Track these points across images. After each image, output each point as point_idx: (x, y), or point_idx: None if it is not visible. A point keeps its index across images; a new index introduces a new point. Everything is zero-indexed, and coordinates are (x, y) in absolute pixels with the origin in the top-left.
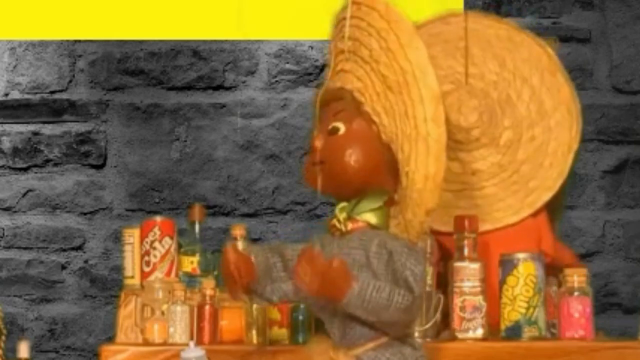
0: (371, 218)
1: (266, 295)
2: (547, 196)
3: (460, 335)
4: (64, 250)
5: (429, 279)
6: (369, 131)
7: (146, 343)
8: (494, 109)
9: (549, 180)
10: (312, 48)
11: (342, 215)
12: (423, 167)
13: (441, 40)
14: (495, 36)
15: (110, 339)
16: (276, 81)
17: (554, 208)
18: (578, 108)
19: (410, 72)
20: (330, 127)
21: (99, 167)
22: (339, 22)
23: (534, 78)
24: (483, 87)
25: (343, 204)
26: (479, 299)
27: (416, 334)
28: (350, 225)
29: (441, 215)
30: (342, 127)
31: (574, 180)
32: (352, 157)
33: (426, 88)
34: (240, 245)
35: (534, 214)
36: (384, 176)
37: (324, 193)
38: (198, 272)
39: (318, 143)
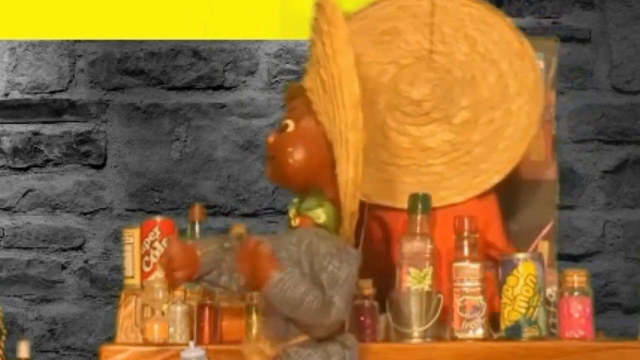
0: (316, 216)
1: (221, 284)
2: (495, 179)
3: (460, 335)
4: (64, 250)
5: (429, 279)
6: (315, 130)
7: (146, 343)
8: (453, 87)
9: (500, 164)
10: None
11: (291, 211)
12: (345, 171)
13: (410, 14)
14: (468, 15)
15: (110, 339)
16: (276, 81)
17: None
18: (541, 95)
19: (337, 77)
20: (282, 123)
21: (99, 167)
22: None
23: (503, 62)
24: (446, 64)
25: (294, 200)
26: (479, 299)
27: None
28: (297, 221)
29: (385, 190)
30: (291, 125)
31: (574, 180)
32: (294, 154)
33: (348, 94)
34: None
35: (481, 197)
36: (328, 175)
37: (278, 186)
38: None
39: (270, 138)
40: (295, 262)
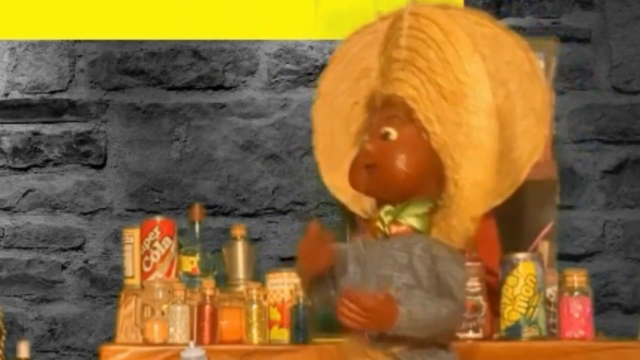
0: (415, 223)
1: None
2: (495, 203)
3: (460, 335)
4: (64, 250)
5: None
6: (419, 138)
7: (146, 343)
8: None
9: (500, 188)
10: (312, 48)
11: (387, 218)
12: (473, 174)
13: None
14: (481, 34)
15: (110, 339)
16: (276, 81)
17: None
18: (549, 117)
19: (467, 84)
20: (382, 131)
21: (99, 167)
22: (394, 31)
23: (512, 83)
24: None
25: (388, 208)
26: (479, 299)
27: None
28: (394, 229)
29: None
30: (394, 133)
31: (574, 180)
32: (404, 162)
33: (482, 100)
34: (241, 245)
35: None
36: (430, 183)
37: (371, 195)
38: (198, 272)
39: (370, 146)
40: (403, 267)
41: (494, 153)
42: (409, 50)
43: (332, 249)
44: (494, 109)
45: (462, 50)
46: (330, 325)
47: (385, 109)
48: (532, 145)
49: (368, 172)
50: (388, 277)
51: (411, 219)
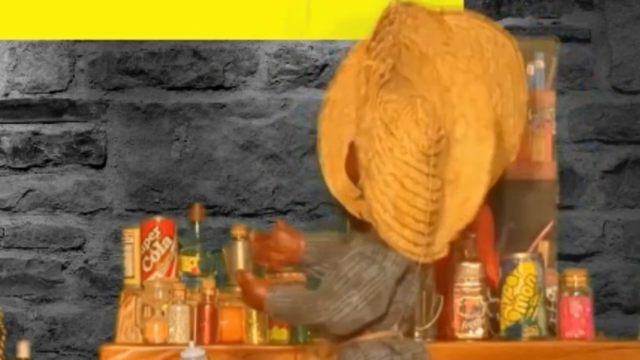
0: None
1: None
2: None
3: (460, 335)
4: (64, 250)
5: (428, 280)
6: None
7: (146, 343)
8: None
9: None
10: (312, 48)
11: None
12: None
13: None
14: (485, 38)
15: (110, 339)
16: (276, 81)
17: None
18: (526, 115)
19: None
20: None
21: (99, 167)
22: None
23: (507, 82)
24: None
25: None
26: (479, 299)
27: (416, 334)
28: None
29: None
30: None
31: (574, 180)
32: None
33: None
34: (241, 245)
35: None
36: None
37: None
38: (198, 272)
39: None
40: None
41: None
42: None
43: (300, 243)
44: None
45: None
46: None
47: None
48: (515, 141)
49: None
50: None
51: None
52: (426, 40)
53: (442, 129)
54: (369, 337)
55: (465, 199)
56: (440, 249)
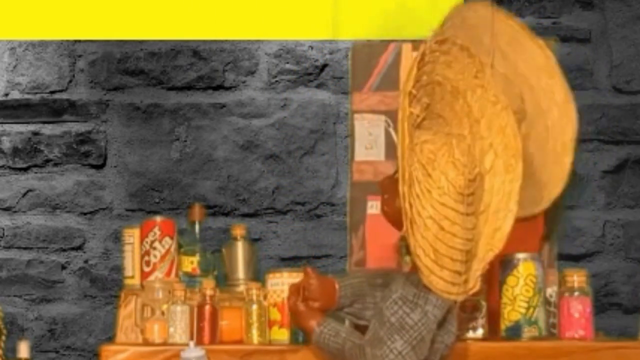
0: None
1: (367, 318)
2: (555, 192)
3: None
4: (64, 250)
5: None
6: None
7: (146, 343)
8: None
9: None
10: (312, 48)
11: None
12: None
13: (468, 26)
14: (502, 32)
15: (110, 339)
16: (276, 81)
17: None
18: (573, 111)
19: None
20: None
21: (99, 167)
22: None
23: (532, 78)
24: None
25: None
26: (479, 299)
27: None
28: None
29: None
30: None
31: (574, 181)
32: (386, 201)
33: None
34: (241, 245)
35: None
36: None
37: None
38: (198, 272)
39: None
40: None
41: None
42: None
43: (335, 288)
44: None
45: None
46: None
47: None
48: (564, 137)
49: None
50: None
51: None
52: (458, 75)
53: (477, 167)
54: None
55: (495, 230)
56: (473, 284)
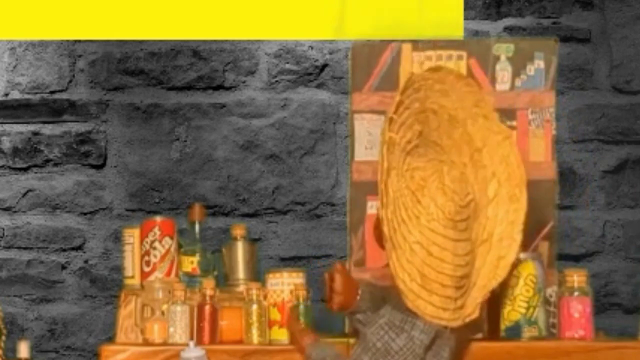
0: None
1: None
2: None
3: None
4: (64, 250)
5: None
6: None
7: (146, 343)
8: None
9: None
10: (312, 48)
11: None
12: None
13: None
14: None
15: (110, 339)
16: (276, 81)
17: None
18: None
19: None
20: None
21: (99, 167)
22: None
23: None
24: None
25: None
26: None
27: None
28: None
29: None
30: None
31: (574, 180)
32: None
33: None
34: (241, 245)
35: None
36: None
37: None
38: (198, 272)
39: None
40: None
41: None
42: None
43: (357, 289)
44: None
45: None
46: (330, 326)
47: None
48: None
49: None
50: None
51: None
52: (455, 104)
53: (470, 194)
54: None
55: (499, 258)
56: (471, 310)
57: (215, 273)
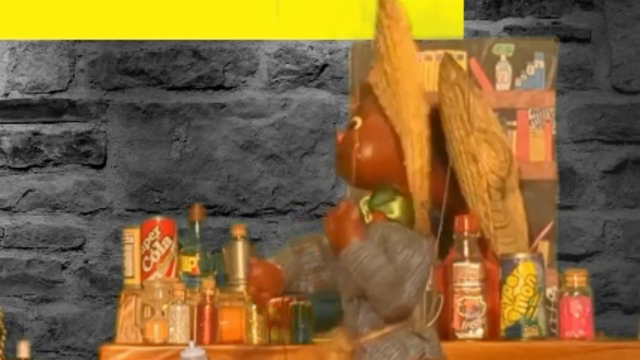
0: (389, 210)
1: (301, 289)
2: None
3: (460, 335)
4: (64, 250)
5: (430, 279)
6: (383, 125)
7: (146, 343)
8: None
9: None
10: (312, 48)
11: (364, 208)
12: (411, 162)
13: None
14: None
15: (110, 339)
16: (276, 81)
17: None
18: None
19: (399, 69)
20: (351, 121)
21: (99, 167)
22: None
23: None
24: None
25: (366, 197)
26: (479, 299)
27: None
28: (370, 217)
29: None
30: (358, 121)
31: (574, 180)
32: (362, 150)
33: (410, 83)
34: (241, 245)
35: None
36: (398, 169)
37: (349, 185)
38: (198, 272)
39: (339, 136)
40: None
41: (423, 137)
42: (375, 37)
43: (280, 274)
44: (422, 92)
45: (396, 34)
46: (330, 325)
47: (362, 98)
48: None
49: (338, 161)
50: None
51: (382, 207)
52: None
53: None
54: (398, 326)
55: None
56: None
57: (215, 273)
